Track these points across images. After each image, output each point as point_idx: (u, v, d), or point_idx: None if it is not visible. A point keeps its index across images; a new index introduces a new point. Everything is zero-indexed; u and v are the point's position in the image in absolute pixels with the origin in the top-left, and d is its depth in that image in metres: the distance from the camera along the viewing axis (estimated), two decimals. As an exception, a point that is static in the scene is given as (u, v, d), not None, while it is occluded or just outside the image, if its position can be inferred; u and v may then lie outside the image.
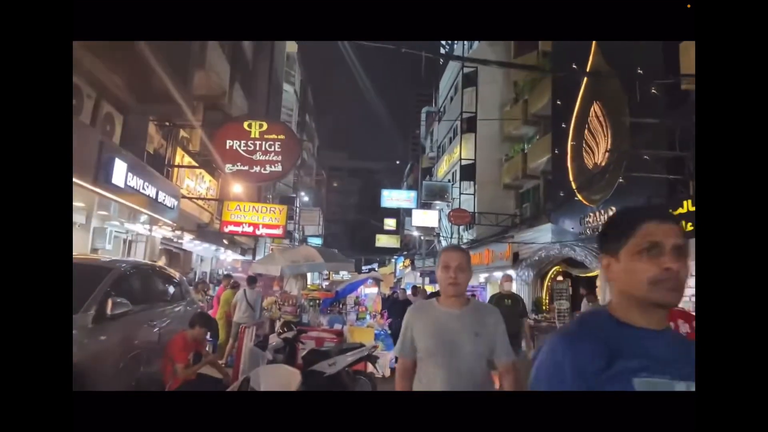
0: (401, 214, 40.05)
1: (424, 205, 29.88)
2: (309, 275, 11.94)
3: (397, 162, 56.54)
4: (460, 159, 26.74)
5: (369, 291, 8.98)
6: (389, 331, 7.88)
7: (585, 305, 9.87)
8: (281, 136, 9.25)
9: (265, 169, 9.27)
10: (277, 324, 6.52)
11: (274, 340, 5.76)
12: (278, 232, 10.18)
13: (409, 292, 10.70)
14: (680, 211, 11.17)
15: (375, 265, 52.23)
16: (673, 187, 12.34)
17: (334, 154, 74.29)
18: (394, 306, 9.01)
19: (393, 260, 43.05)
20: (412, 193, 33.70)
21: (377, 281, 9.57)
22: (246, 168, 9.35)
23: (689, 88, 12.30)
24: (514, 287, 19.83)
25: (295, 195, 23.80)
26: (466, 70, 27.08)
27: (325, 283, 12.49)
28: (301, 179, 30.68)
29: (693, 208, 10.80)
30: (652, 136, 12.47)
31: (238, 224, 10.34)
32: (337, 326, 7.58)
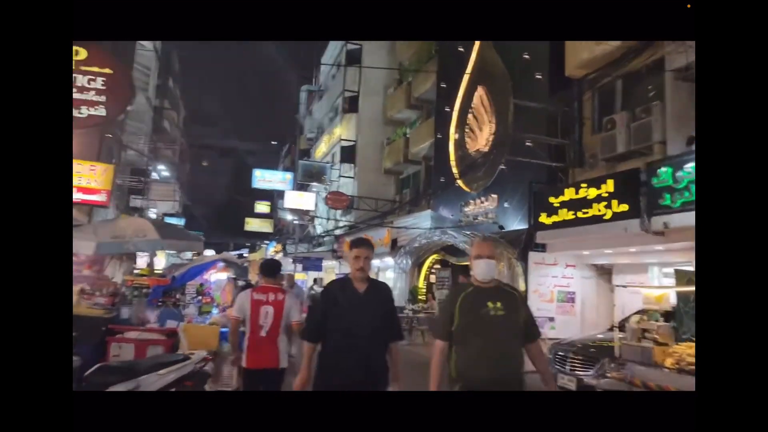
0: (275, 198, 37.62)
1: (301, 187, 28.04)
2: (151, 257, 9.61)
3: (274, 143, 53.53)
4: (341, 139, 25.33)
5: (217, 277, 7.08)
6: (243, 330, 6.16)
7: None
8: (106, 70, 6.92)
9: (80, 112, 6.88)
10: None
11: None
12: (100, 198, 7.81)
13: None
14: (561, 198, 10.87)
15: (245, 251, 48.97)
16: (553, 173, 12.12)
17: (205, 130, 68.58)
18: None
19: (264, 245, 40.45)
20: (288, 175, 31.58)
21: (230, 265, 7.82)
22: (51, 108, 6.89)
23: (573, 75, 12.16)
24: (391, 274, 19.04)
25: (150, 168, 20.51)
26: (349, 47, 25.67)
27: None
28: (161, 151, 27.00)
29: (575, 195, 10.54)
30: (534, 121, 12.14)
31: (39, 185, 7.78)
32: (171, 323, 5.69)
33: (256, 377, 3.98)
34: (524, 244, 11.91)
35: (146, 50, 21.66)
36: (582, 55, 11.40)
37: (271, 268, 4.61)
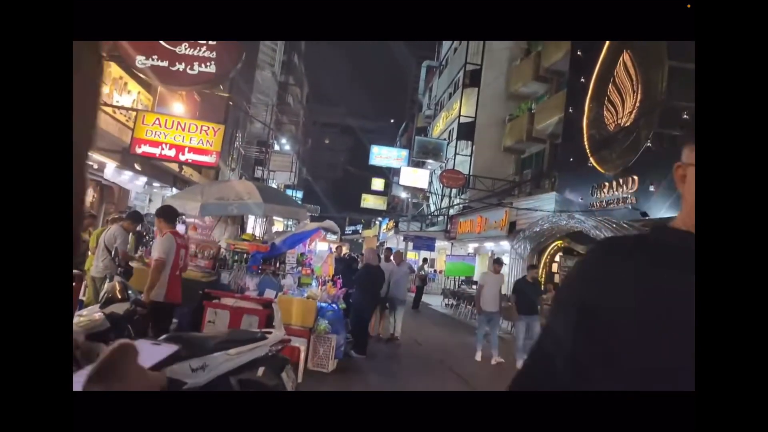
0: (391, 176, 37.63)
1: (416, 164, 27.47)
2: (269, 224, 9.58)
3: (392, 121, 53.63)
4: (459, 116, 24.18)
5: (320, 248, 6.60)
6: (342, 306, 5.63)
7: None
8: (219, 26, 6.73)
9: (192, 68, 6.74)
10: (105, 287, 4.05)
11: (93, 317, 3.43)
12: (210, 159, 7.71)
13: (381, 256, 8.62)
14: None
15: (359, 226, 50.00)
16: (718, 153, 10.03)
17: (327, 109, 70.98)
18: (347, 271, 6.81)
19: (378, 222, 40.83)
20: (404, 152, 31.17)
21: (331, 233, 7.33)
22: (164, 64, 6.80)
23: None
24: (507, 260, 17.78)
25: (272, 140, 21.21)
26: (474, 16, 24.21)
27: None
28: (285, 126, 28.04)
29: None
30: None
31: (155, 144, 7.81)
32: (270, 293, 5.31)
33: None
34: (673, 236, 10.06)
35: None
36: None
37: (168, 213, 4.75)
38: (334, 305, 5.47)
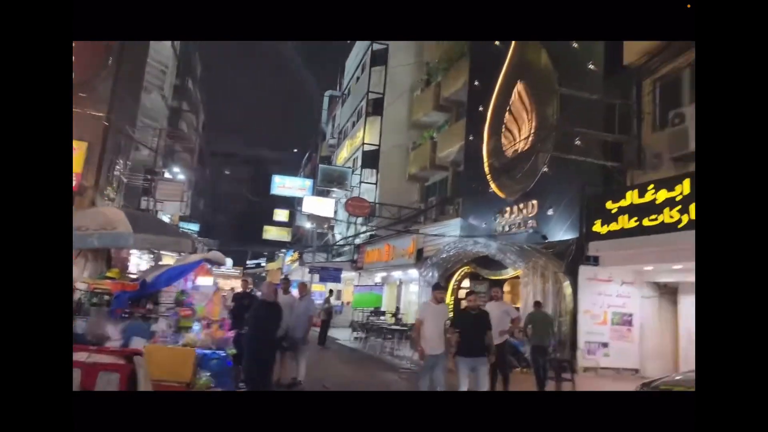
0: (295, 206, 36.52)
1: (321, 193, 26.78)
2: (156, 259, 8.28)
3: (295, 150, 52.71)
4: (363, 144, 24.03)
5: (203, 282, 5.58)
6: (231, 352, 4.73)
7: (495, 308, 7.68)
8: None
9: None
10: None
11: None
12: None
13: (294, 291, 7.59)
14: (621, 203, 9.25)
15: (262, 260, 47.85)
16: (609, 175, 10.49)
17: (227, 138, 68.43)
18: (241, 310, 5.87)
19: (282, 254, 39.24)
20: (308, 181, 30.38)
21: (217, 266, 6.38)
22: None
23: (632, 63, 10.58)
24: (415, 288, 17.48)
25: (163, 169, 19.45)
26: (375, 47, 24.47)
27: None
28: (176, 153, 26.12)
29: (639, 200, 8.91)
30: (586, 116, 10.55)
31: None
32: (138, 342, 4.29)
33: None
34: (573, 257, 10.28)
35: (163, 48, 20.73)
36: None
37: None
38: (220, 352, 4.57)
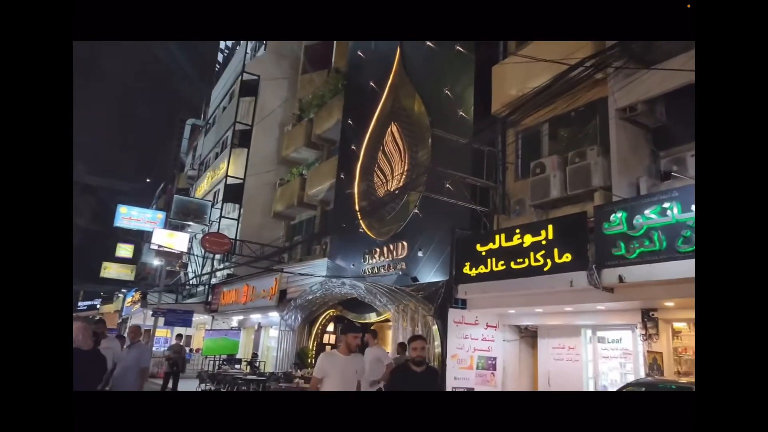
0: (141, 242, 32.73)
1: (175, 227, 24.26)
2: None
3: (148, 180, 48.08)
4: (227, 176, 22.44)
5: None
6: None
7: (369, 354, 7.08)
8: None
9: None
10: None
11: None
12: None
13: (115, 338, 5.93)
14: (490, 246, 9.36)
15: (97, 301, 41.73)
16: (477, 219, 10.68)
17: (67, 162, 60.50)
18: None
19: (122, 295, 34.60)
20: (160, 214, 27.55)
21: None
22: None
23: (499, 113, 11.13)
24: (275, 333, 16.13)
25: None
26: (246, 77, 23.44)
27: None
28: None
29: (507, 243, 9.08)
30: (457, 160, 10.76)
31: None
32: None
33: None
34: (442, 299, 10.11)
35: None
36: (510, 91, 10.41)
37: None
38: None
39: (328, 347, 15.12)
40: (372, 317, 12.84)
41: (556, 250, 8.00)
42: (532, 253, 8.40)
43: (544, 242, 8.26)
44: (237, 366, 15.10)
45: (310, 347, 14.48)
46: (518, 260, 8.64)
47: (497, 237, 9.22)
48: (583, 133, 9.72)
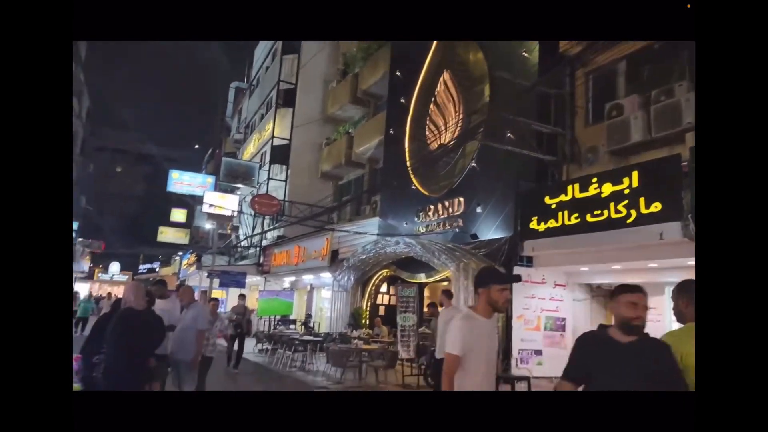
0: (194, 207, 33.40)
1: (224, 190, 24.39)
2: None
3: (197, 147, 48.81)
4: (272, 137, 22.14)
5: None
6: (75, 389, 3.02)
7: (445, 316, 6.63)
8: None
9: None
10: None
11: None
12: None
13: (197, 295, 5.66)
14: (561, 198, 8.53)
15: (156, 264, 43.44)
16: (543, 170, 9.81)
17: (121, 134, 62.19)
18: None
19: (178, 258, 35.70)
20: (210, 178, 27.75)
21: None
22: None
23: (568, 52, 10.04)
24: (328, 294, 15.98)
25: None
26: (288, 34, 22.72)
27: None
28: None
29: (581, 194, 8.23)
30: (519, 106, 9.82)
31: None
32: None
33: None
34: (505, 257, 9.42)
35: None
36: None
37: None
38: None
39: (381, 308, 14.81)
40: (421, 277, 12.33)
41: (642, 200, 7.11)
42: (612, 204, 7.54)
43: (627, 191, 7.38)
44: (291, 326, 15.06)
45: (364, 308, 14.19)
46: (595, 212, 7.80)
47: (569, 188, 8.37)
48: (668, 69, 8.56)
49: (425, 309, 4.78)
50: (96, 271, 46.91)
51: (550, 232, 8.57)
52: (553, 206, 8.54)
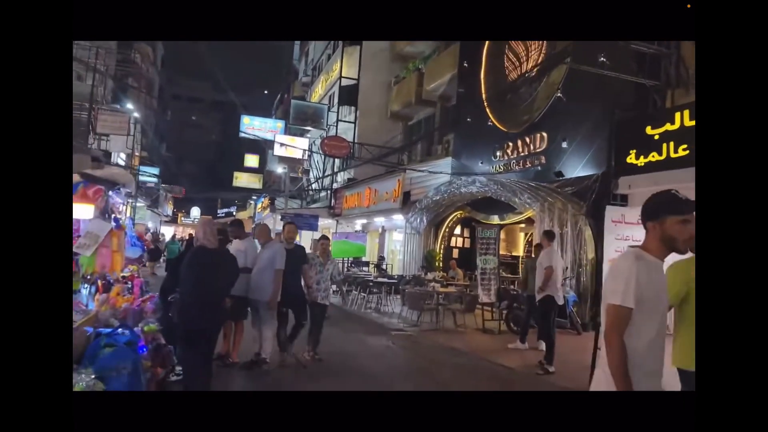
0: (266, 151, 34.05)
1: (294, 133, 24.47)
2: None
3: (266, 92, 49.20)
4: (340, 77, 21.62)
5: (83, 214, 3.37)
6: (150, 328, 2.88)
7: (544, 257, 6.18)
8: None
9: None
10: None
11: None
12: None
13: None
14: (667, 127, 7.50)
15: (233, 208, 45.39)
16: (644, 97, 8.68)
17: (194, 83, 63.96)
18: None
19: (253, 202, 36.97)
20: (280, 123, 27.90)
21: (121, 191, 4.08)
22: None
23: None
24: (401, 237, 15.74)
25: (105, 100, 16.78)
26: (353, -34, 21.61)
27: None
28: (130, 88, 23.23)
29: (690, 123, 7.17)
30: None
31: None
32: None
33: None
34: (596, 196, 8.59)
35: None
36: None
37: None
38: (122, 330, 2.72)
39: (455, 250, 14.39)
40: (495, 219, 11.68)
41: None
42: (732, 132, 6.48)
43: (752, 116, 6.28)
44: (364, 268, 15.09)
45: (437, 250, 13.86)
46: (710, 142, 6.77)
47: (677, 115, 7.30)
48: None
49: (534, 250, 5.34)
50: (179, 215, 49.85)
51: (651, 167, 7.62)
52: (656, 137, 7.54)
